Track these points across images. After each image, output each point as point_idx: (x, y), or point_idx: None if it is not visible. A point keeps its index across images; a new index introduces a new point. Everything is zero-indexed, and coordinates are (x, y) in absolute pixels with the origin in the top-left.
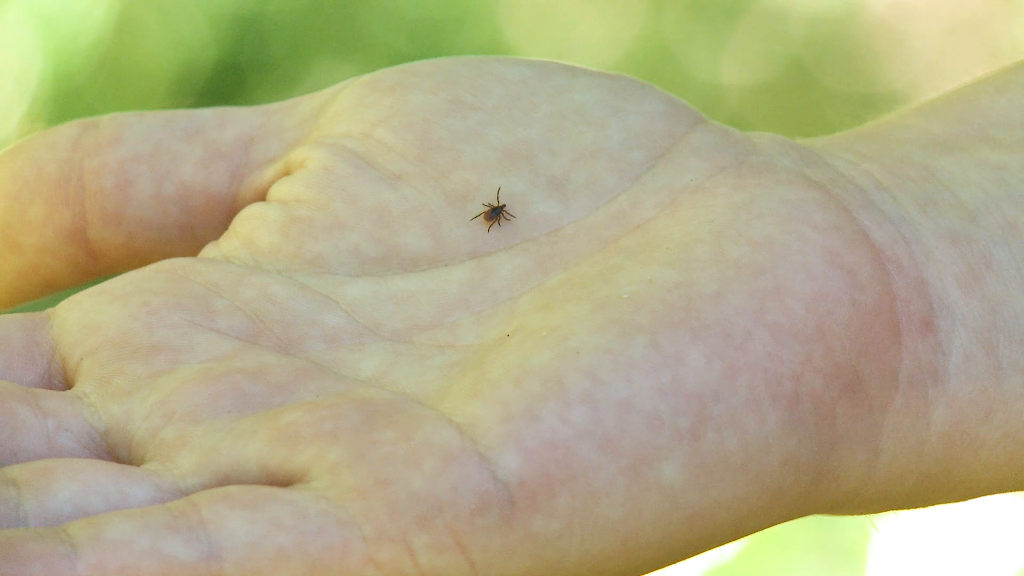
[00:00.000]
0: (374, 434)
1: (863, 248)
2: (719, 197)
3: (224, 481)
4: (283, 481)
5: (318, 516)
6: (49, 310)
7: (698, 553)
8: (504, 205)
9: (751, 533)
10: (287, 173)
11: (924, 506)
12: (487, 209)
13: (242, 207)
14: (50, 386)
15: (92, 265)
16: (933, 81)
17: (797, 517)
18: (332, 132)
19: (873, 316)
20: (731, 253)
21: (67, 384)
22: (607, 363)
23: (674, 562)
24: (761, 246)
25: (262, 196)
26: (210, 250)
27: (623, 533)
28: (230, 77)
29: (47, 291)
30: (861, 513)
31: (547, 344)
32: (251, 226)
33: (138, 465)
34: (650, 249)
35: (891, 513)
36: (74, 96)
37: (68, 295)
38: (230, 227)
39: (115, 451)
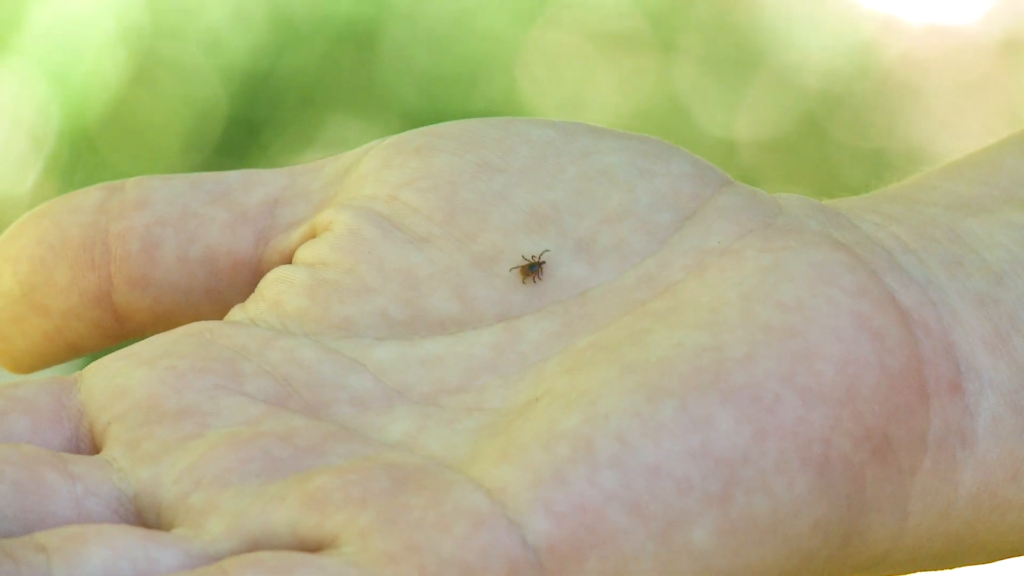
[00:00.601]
0: (404, 499)
1: (891, 311)
2: (747, 260)
3: (254, 546)
4: (313, 546)
5: None
6: (76, 374)
7: None
8: (543, 262)
9: None
10: (313, 236)
11: (952, 567)
12: (524, 264)
13: (268, 270)
14: (77, 450)
15: (118, 328)
16: (946, 136)
17: None
18: (358, 194)
19: (901, 379)
20: (760, 316)
21: (95, 448)
22: (636, 427)
23: None
24: (790, 309)
25: (288, 259)
26: (236, 313)
27: None
28: (244, 132)
29: (73, 355)
30: (891, 573)
31: (576, 408)
32: (278, 289)
33: (167, 530)
34: (678, 312)
35: (919, 574)
36: (88, 151)
37: (94, 358)
38: (256, 290)
39: (143, 516)
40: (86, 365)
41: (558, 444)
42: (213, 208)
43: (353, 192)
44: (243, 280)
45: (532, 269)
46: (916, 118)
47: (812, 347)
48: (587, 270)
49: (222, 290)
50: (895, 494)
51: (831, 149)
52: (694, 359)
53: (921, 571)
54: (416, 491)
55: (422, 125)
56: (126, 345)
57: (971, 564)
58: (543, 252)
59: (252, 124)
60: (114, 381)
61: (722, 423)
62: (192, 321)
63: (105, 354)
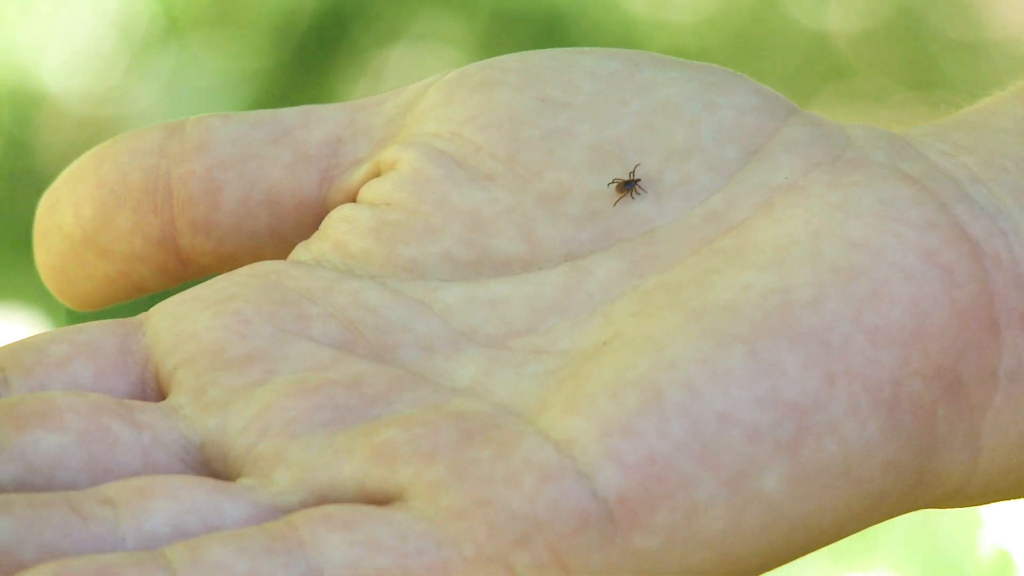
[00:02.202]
0: (472, 452)
1: (960, 244)
2: (814, 196)
3: (321, 499)
4: (381, 500)
5: (418, 537)
6: (141, 316)
7: (797, 558)
8: (639, 179)
9: (851, 534)
10: (377, 174)
11: (1022, 497)
12: (620, 181)
13: (332, 208)
14: (143, 396)
15: (182, 270)
16: None
17: (898, 515)
18: (420, 131)
19: (972, 315)
20: (827, 255)
21: (160, 394)
22: (705, 374)
23: (773, 568)
24: (858, 247)
25: (352, 198)
26: (300, 252)
27: (724, 546)
28: (332, 25)
29: (136, 294)
30: (964, 506)
31: (644, 355)
32: (342, 230)
33: (234, 479)
34: (746, 252)
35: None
36: (177, 44)
37: (158, 297)
38: (320, 229)
39: (210, 464)
40: (150, 303)
41: (626, 393)
42: (274, 148)
43: (415, 129)
44: (307, 221)
45: (628, 186)
46: (1014, 7)
47: (880, 286)
48: (653, 207)
49: (286, 231)
50: (967, 431)
51: (928, 40)
52: (762, 302)
53: (996, 501)
54: (484, 444)
55: (511, 20)
56: (190, 285)
57: None
58: (636, 167)
59: (340, 17)
60: (180, 325)
61: (791, 368)
62: (256, 261)
63: (169, 294)
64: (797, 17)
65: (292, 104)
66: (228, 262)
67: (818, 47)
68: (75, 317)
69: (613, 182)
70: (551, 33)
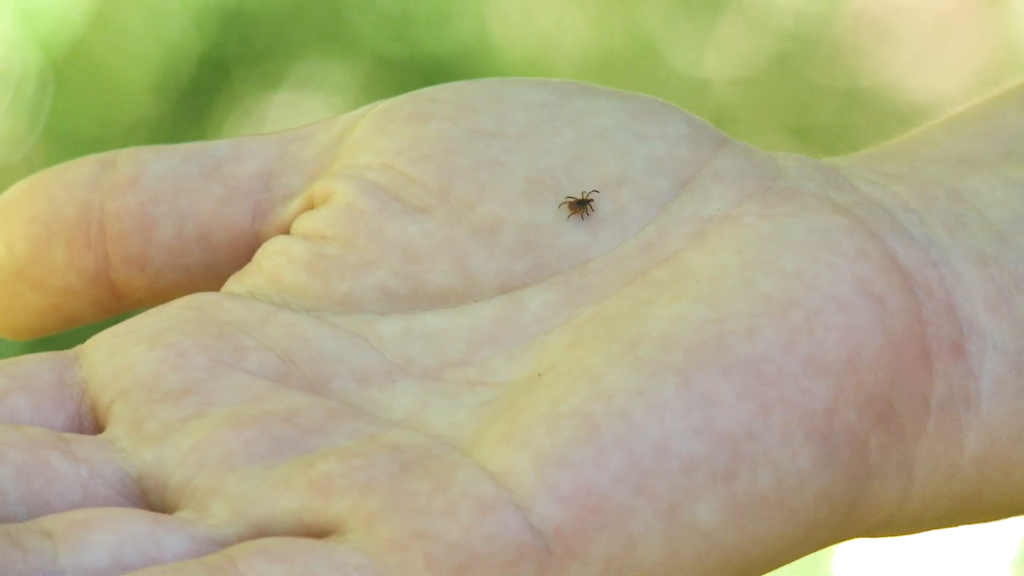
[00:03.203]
0: (409, 484)
1: (893, 274)
2: (746, 227)
3: (259, 532)
4: (318, 532)
5: (355, 569)
6: (77, 348)
7: None
8: (591, 199)
9: (785, 564)
10: (310, 207)
11: (955, 526)
12: (571, 200)
13: (265, 241)
14: (80, 429)
15: (116, 304)
16: (918, 75)
17: (831, 545)
18: (353, 163)
19: (904, 343)
20: (761, 286)
21: (97, 427)
22: (640, 405)
23: None
24: (790, 278)
25: (285, 230)
26: (234, 284)
27: None
28: (215, 72)
29: (71, 326)
30: (896, 535)
31: (579, 386)
32: (277, 263)
33: (172, 511)
34: (679, 283)
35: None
36: (57, 89)
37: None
38: (253, 260)
39: (148, 497)
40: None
41: (562, 424)
42: (206, 183)
43: (348, 161)
44: (240, 254)
45: (580, 205)
46: (888, 57)
47: (813, 316)
48: (587, 238)
49: (220, 265)
50: (900, 460)
51: (803, 88)
52: (696, 333)
53: (924, 531)
54: (421, 476)
55: (393, 66)
56: (125, 316)
57: (976, 523)
58: (591, 192)
59: (222, 63)
60: (115, 358)
61: (725, 399)
62: (190, 294)
63: (105, 324)
64: (676, 64)
65: None
66: (162, 296)
67: (698, 93)
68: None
69: (565, 201)
70: (433, 80)
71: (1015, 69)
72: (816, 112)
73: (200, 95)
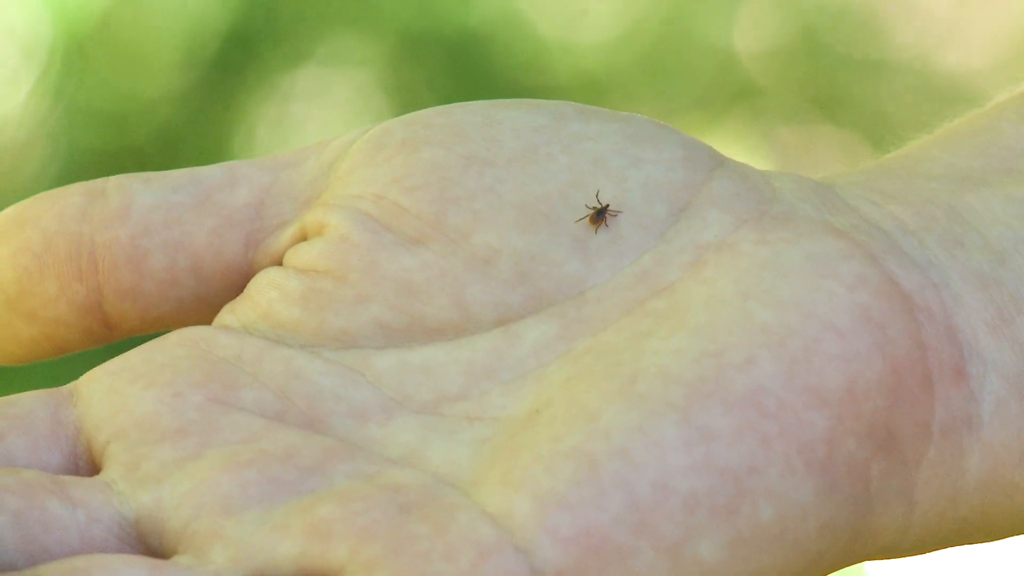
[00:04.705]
0: (409, 528)
1: (892, 298)
2: (743, 255)
3: None
4: None
5: None
6: (71, 386)
7: None
8: (607, 206)
9: None
10: (303, 237)
11: (959, 546)
12: (592, 212)
13: (257, 270)
14: (76, 468)
15: (108, 334)
16: (946, 48)
17: (834, 572)
18: (345, 193)
19: (904, 369)
20: (758, 316)
21: (92, 466)
22: (639, 443)
23: None
24: (788, 307)
25: (278, 260)
26: (226, 316)
27: None
28: (240, 48)
29: (61, 354)
30: (895, 558)
31: (577, 424)
32: (271, 297)
33: (170, 555)
34: (677, 314)
35: (925, 554)
36: (82, 65)
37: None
38: (246, 292)
39: (146, 540)
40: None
41: (561, 465)
42: (197, 213)
43: (339, 191)
44: (233, 284)
45: (600, 216)
46: (915, 29)
47: (812, 345)
48: (584, 267)
49: (212, 296)
50: (901, 486)
51: (831, 60)
52: (694, 367)
53: (928, 552)
54: (421, 519)
55: (418, 41)
56: (118, 345)
57: (980, 543)
58: (606, 206)
59: (248, 39)
60: (110, 397)
61: (725, 433)
62: (182, 325)
63: (96, 353)
64: (705, 36)
65: (202, 127)
66: (154, 325)
67: (726, 66)
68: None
69: (584, 217)
70: (460, 55)
71: None
72: (843, 84)
73: (225, 71)
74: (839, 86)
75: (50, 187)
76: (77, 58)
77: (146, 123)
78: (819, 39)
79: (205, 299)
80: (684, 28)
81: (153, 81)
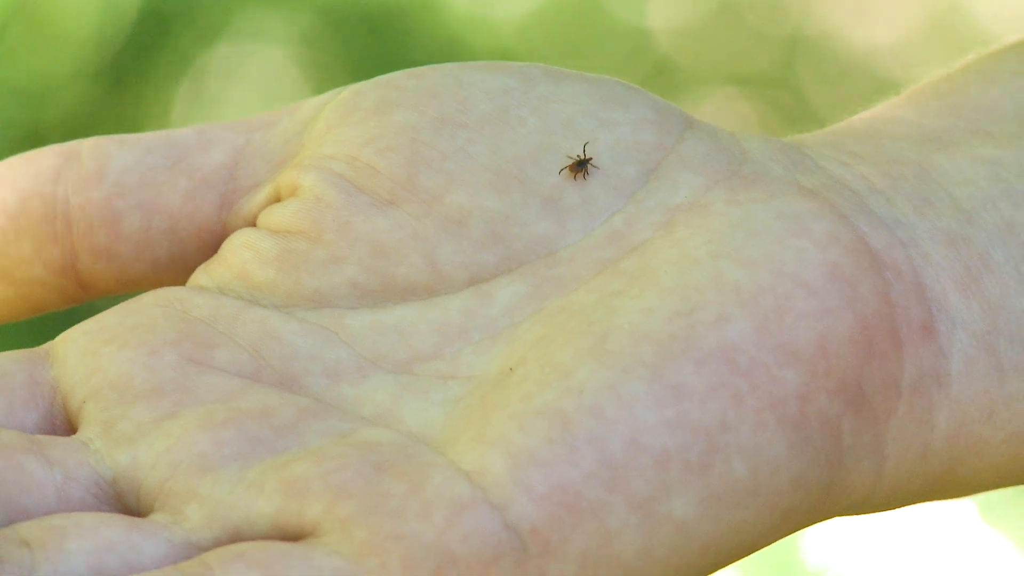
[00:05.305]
0: (383, 486)
1: (862, 256)
2: (714, 215)
3: (235, 535)
4: (294, 535)
5: (333, 573)
6: (47, 346)
7: None
8: (590, 158)
9: (761, 549)
10: (277, 198)
11: (928, 502)
12: (572, 162)
13: (232, 231)
14: (52, 427)
15: (83, 294)
16: (861, 22)
17: (806, 527)
18: (318, 154)
19: (874, 326)
20: (730, 275)
21: (69, 426)
22: (611, 400)
23: None
24: (759, 265)
25: (252, 221)
26: (201, 277)
27: (637, 570)
28: (155, 24)
29: (36, 314)
30: (866, 513)
31: (550, 382)
32: (244, 257)
33: (147, 513)
34: (648, 274)
35: (895, 509)
36: None
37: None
38: (219, 253)
39: (123, 498)
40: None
41: (534, 422)
42: (172, 174)
43: (313, 151)
44: (208, 245)
45: (580, 167)
46: (830, 5)
47: (783, 303)
48: (555, 228)
49: (187, 256)
50: (872, 442)
51: (747, 36)
52: (666, 325)
53: (897, 508)
54: (396, 477)
55: (335, 18)
56: (94, 305)
57: (949, 499)
58: (589, 159)
59: (162, 16)
60: (86, 358)
61: (697, 390)
62: (157, 285)
63: (72, 312)
64: (619, 14)
65: (118, 105)
66: (129, 286)
67: (640, 44)
68: None
69: (564, 169)
70: (375, 31)
71: (955, 19)
72: (758, 60)
73: (140, 48)
74: (753, 62)
75: None
76: None
77: (61, 101)
78: (733, 15)
79: (180, 260)
80: (599, 4)
81: (68, 58)
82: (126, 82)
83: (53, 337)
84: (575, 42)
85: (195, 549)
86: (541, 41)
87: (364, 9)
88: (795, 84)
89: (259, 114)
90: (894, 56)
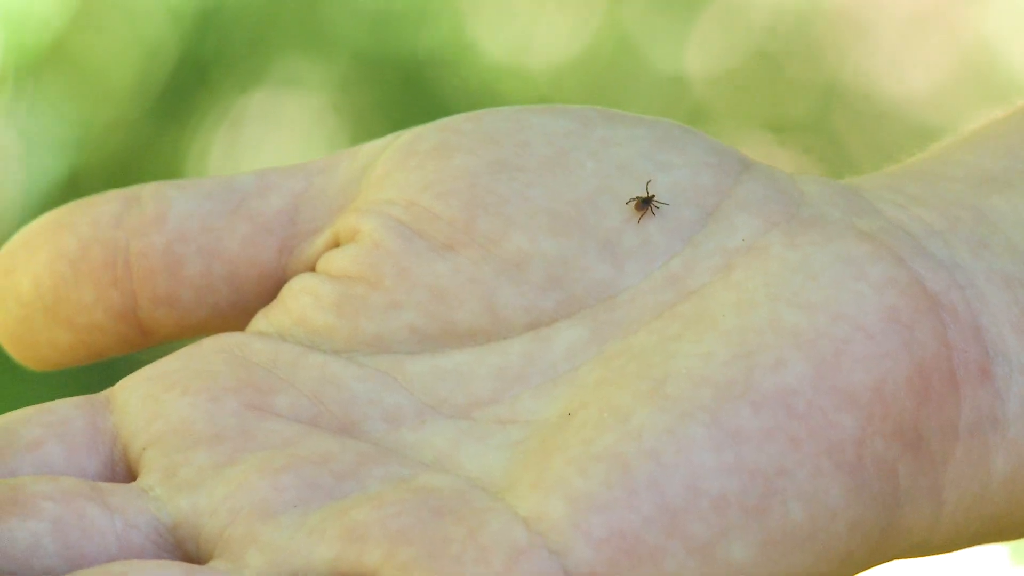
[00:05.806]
0: (443, 531)
1: (919, 299)
2: (772, 258)
3: None
4: None
5: None
6: (107, 392)
7: None
8: (654, 195)
9: None
10: (336, 243)
11: (987, 543)
12: (637, 200)
13: (291, 276)
14: (113, 474)
15: (143, 340)
16: (896, 70)
17: (864, 570)
18: (377, 199)
19: (931, 369)
20: (788, 319)
21: (129, 473)
22: (670, 445)
23: None
24: (817, 309)
25: (311, 266)
26: (260, 322)
27: None
28: (193, 72)
29: (97, 359)
30: (925, 556)
31: (608, 426)
32: (303, 303)
33: (206, 560)
34: (707, 317)
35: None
36: (34, 90)
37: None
38: (279, 298)
39: (183, 545)
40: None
41: (593, 467)
42: (232, 220)
43: (372, 196)
44: (267, 291)
45: (645, 204)
46: (866, 52)
47: (841, 347)
48: (614, 271)
49: (247, 302)
50: (929, 485)
51: (782, 84)
52: (724, 369)
53: (957, 550)
54: (455, 522)
55: (370, 65)
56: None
57: (1008, 540)
58: (652, 196)
59: (200, 63)
60: (147, 404)
61: (755, 434)
62: (217, 331)
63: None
64: (654, 62)
65: (155, 152)
66: (190, 331)
67: (676, 91)
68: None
69: (631, 202)
70: (412, 78)
71: (990, 67)
72: (794, 108)
73: (178, 95)
74: (789, 110)
75: (5, 213)
76: (29, 82)
77: (99, 148)
78: (770, 63)
79: (240, 305)
80: (635, 52)
81: (106, 106)
82: (164, 129)
83: (113, 383)
84: (610, 90)
85: None
86: (576, 89)
87: (399, 57)
88: (831, 131)
89: (318, 159)
90: (929, 103)
